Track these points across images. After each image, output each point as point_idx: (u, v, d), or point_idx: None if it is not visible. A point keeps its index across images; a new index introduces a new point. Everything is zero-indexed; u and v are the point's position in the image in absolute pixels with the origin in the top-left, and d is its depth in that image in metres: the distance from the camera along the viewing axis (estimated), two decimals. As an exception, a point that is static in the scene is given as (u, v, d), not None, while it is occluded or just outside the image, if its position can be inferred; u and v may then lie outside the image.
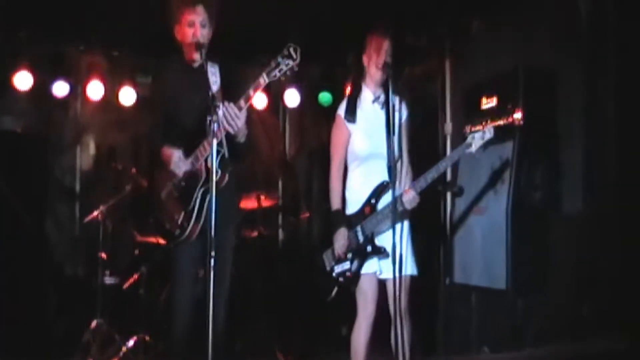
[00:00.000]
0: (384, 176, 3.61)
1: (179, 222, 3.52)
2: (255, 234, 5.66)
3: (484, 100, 4.66)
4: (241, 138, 3.49)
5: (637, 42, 3.96)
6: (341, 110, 3.81)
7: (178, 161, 3.54)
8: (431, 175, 3.56)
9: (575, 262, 4.03)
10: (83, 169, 6.46)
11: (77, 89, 6.28)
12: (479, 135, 3.55)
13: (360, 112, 3.78)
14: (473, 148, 3.55)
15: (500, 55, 4.88)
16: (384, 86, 3.67)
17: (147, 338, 5.02)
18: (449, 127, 5.42)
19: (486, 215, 4.43)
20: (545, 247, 4.19)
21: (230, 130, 3.36)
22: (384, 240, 3.64)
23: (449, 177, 5.16)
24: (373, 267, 3.68)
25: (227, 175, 3.45)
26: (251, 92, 3.34)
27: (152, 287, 5.28)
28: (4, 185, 5.42)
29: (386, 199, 3.61)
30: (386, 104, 3.55)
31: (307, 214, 6.42)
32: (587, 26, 4.16)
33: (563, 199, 4.31)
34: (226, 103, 3.33)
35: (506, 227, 4.22)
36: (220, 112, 3.21)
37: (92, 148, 6.51)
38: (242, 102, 3.35)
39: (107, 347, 5.07)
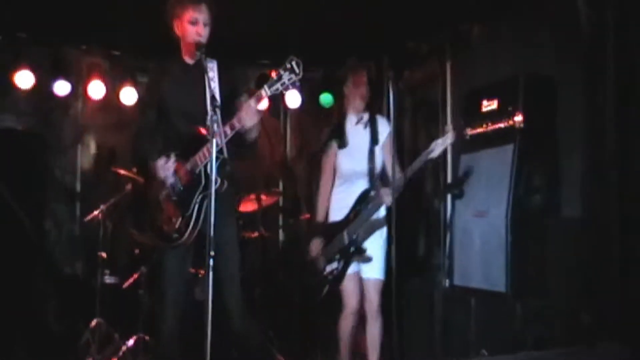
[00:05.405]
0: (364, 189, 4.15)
1: (177, 226, 3.50)
2: (255, 234, 5.66)
3: (484, 102, 4.65)
4: (253, 135, 3.49)
5: (637, 49, 3.96)
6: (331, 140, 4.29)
7: (164, 166, 3.52)
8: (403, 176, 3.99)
9: (575, 267, 4.03)
10: (83, 168, 6.47)
11: (78, 89, 6.29)
12: (440, 141, 3.91)
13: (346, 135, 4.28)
14: (435, 153, 3.92)
15: (501, 62, 4.89)
16: (367, 108, 4.25)
17: (147, 338, 5.02)
18: (449, 129, 5.39)
19: (486, 218, 4.43)
20: (545, 251, 4.19)
21: (247, 125, 3.35)
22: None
23: (449, 179, 5.16)
24: (354, 268, 4.19)
25: (225, 182, 3.45)
26: (252, 103, 3.34)
27: (151, 286, 5.29)
28: (3, 184, 5.42)
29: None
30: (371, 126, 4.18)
31: (308, 216, 6.42)
32: (587, 32, 4.17)
33: (562, 203, 4.32)
34: (245, 96, 3.37)
35: (506, 231, 4.22)
36: (219, 112, 3.14)
37: (92, 148, 6.51)
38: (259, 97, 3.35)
39: (106, 346, 5.08)
